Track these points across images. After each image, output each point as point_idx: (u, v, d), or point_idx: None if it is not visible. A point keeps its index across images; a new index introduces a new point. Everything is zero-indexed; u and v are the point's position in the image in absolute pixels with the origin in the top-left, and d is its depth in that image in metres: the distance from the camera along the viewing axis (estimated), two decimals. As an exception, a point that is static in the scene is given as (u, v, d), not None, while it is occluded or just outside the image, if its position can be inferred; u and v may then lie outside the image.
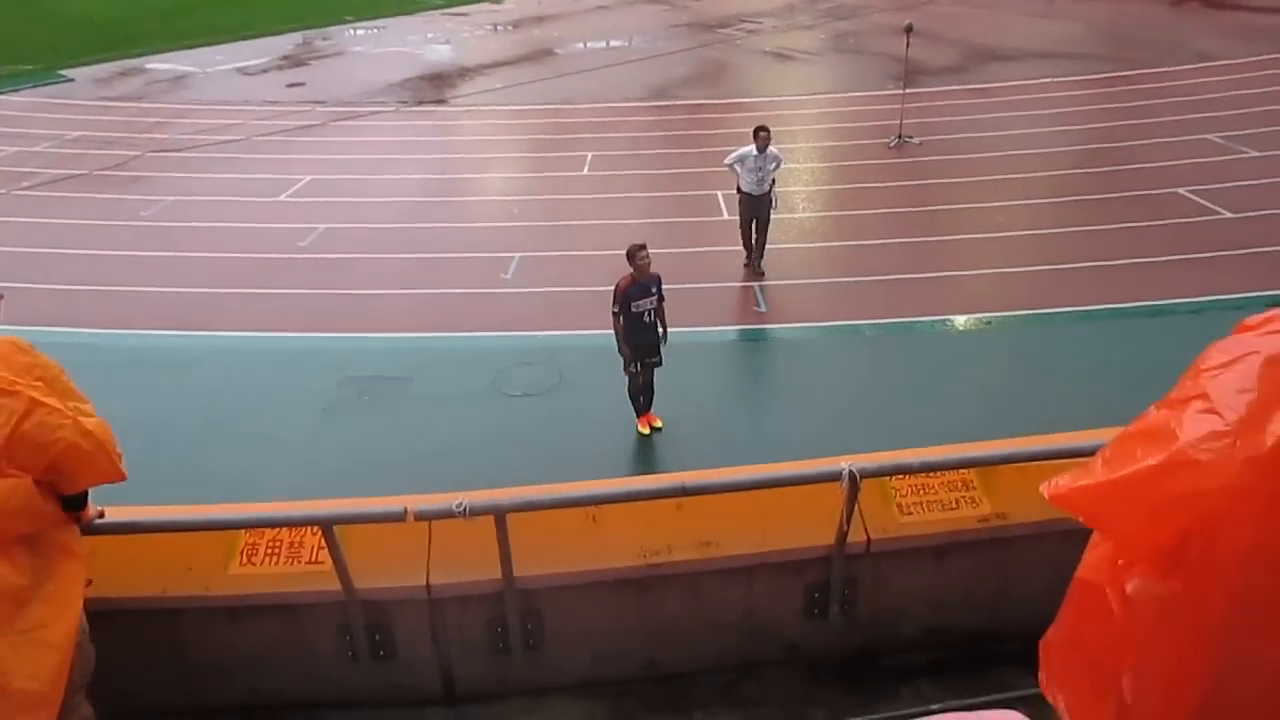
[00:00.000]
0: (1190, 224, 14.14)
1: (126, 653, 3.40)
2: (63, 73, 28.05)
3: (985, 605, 4.54)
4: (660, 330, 9.29)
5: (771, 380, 11.22)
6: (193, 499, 7.29)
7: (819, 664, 4.57)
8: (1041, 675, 2.53)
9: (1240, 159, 16.69)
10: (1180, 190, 15.32)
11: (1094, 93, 21.85)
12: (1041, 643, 2.53)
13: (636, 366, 9.27)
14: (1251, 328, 2.12)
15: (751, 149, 12.53)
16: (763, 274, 13.21)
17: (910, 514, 4.32)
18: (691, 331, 11.64)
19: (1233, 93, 20.70)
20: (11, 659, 2.89)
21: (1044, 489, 2.33)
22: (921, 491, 4.36)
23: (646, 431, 9.64)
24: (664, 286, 9.19)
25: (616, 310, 8.97)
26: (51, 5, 37.93)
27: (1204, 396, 2.08)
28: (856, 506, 3.99)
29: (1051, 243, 13.81)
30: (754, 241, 13.19)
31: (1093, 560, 2.36)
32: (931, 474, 4.32)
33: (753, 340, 11.98)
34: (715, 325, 12.00)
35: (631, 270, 8.90)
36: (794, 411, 10.08)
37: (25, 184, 18.31)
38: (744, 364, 11.74)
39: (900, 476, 4.33)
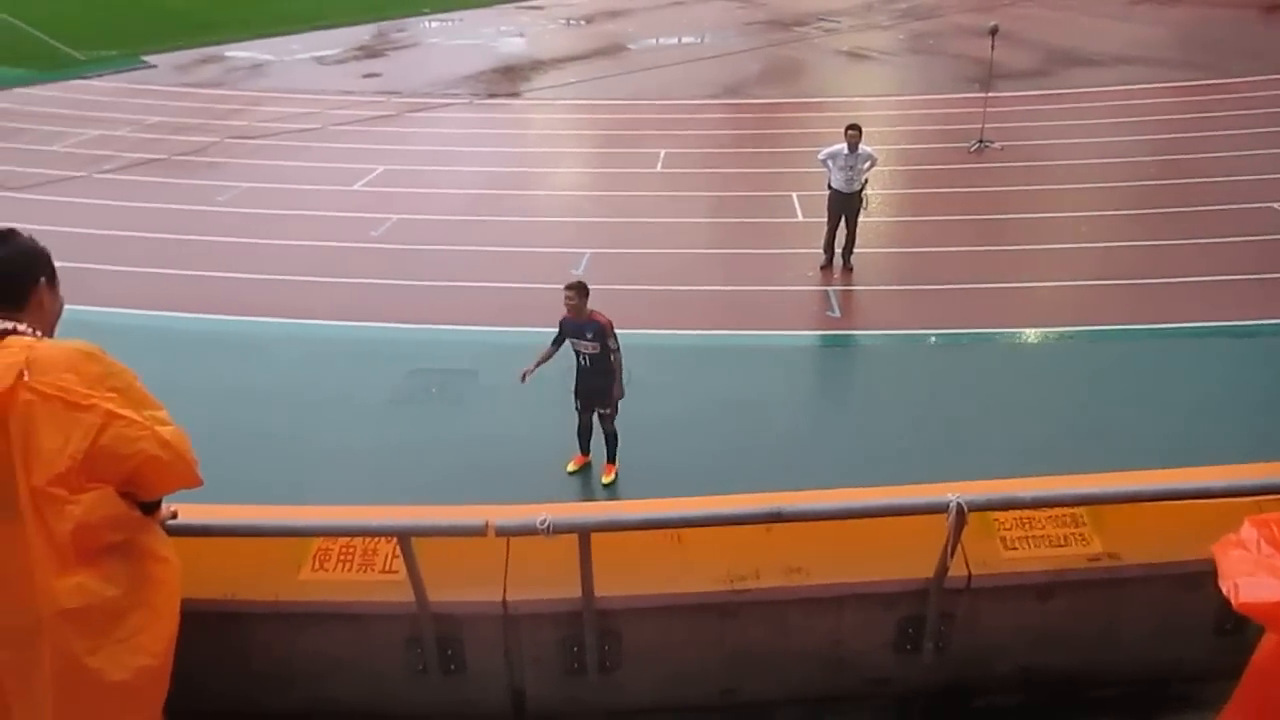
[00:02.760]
0: (1283, 241, 13.56)
1: (186, 655, 3.27)
2: (145, 59, 28.56)
3: (1087, 648, 4.25)
4: (603, 379, 8.47)
5: (845, 388, 10.94)
6: (259, 490, 7.26)
7: (906, 701, 4.32)
8: None
9: (1341, 174, 15.98)
10: (1275, 205, 14.71)
11: (1180, 100, 21.13)
12: None
13: (577, 403, 8.80)
14: None
15: (843, 146, 12.38)
16: (852, 269, 13.06)
17: (1015, 549, 4.03)
18: (762, 335, 11.41)
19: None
20: (111, 669, 2.82)
21: (1230, 595, 2.12)
22: (1027, 525, 4.08)
23: (573, 469, 9.01)
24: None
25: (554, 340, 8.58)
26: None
27: None
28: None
29: (1135, 255, 13.31)
30: (845, 237, 12.95)
31: (1271, 648, 2.21)
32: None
33: (825, 345, 11.70)
34: (787, 329, 11.74)
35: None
36: (869, 420, 9.78)
37: (105, 167, 18.63)
38: (816, 369, 11.46)
39: (1003, 508, 4.07)
